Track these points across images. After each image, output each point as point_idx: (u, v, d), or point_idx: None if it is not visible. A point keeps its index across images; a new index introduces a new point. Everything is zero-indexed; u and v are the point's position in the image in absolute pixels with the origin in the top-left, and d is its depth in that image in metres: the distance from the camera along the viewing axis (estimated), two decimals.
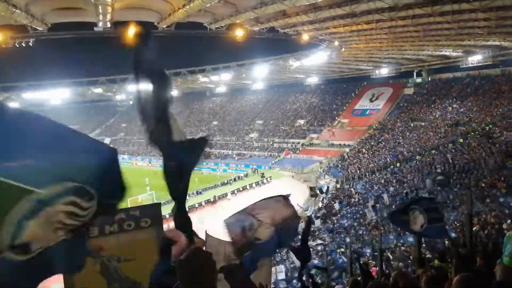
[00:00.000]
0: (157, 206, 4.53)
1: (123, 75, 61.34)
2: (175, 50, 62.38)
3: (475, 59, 48.44)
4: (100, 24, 30.98)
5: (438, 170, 29.46)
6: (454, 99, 49.02)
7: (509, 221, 12.30)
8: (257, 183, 44.56)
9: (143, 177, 47.93)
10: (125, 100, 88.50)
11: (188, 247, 1.17)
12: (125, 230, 4.22)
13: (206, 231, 4.76)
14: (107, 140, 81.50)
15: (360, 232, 23.31)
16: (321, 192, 37.67)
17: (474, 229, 10.92)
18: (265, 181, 45.54)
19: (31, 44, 32.74)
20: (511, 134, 32.04)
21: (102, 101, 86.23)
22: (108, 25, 32.27)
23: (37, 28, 28.69)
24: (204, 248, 1.22)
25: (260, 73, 59.57)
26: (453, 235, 14.81)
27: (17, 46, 31.33)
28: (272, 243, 4.86)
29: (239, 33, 35.49)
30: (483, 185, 22.28)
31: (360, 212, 27.25)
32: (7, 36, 28.99)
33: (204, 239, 4.80)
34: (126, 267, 4.23)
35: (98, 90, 64.44)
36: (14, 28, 28.36)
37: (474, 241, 7.75)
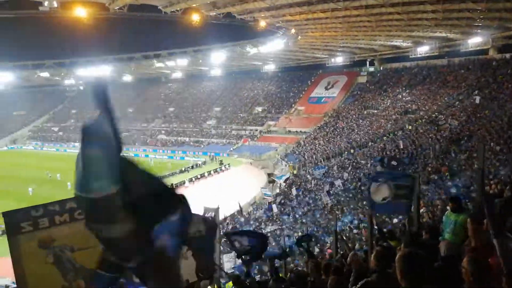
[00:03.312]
0: None
1: (72, 59, 58.42)
2: (129, 33, 60.22)
3: (423, 49, 50.87)
4: (46, 3, 29.19)
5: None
6: (404, 88, 51.24)
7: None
8: (215, 171, 44.41)
9: None
10: (75, 85, 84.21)
11: None
12: (76, 219, 4.09)
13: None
14: (55, 128, 77.49)
15: (317, 215, 24.02)
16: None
17: (421, 210, 11.62)
18: (223, 168, 45.49)
19: None
20: (455, 121, 34.10)
21: (50, 86, 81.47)
22: (55, 4, 30.50)
23: None
24: None
25: (217, 59, 58.89)
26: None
27: None
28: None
29: (195, 18, 34.82)
30: (429, 169, 23.62)
31: (316, 197, 28.05)
32: None
33: None
34: (80, 256, 4.12)
35: (45, 74, 60.79)
36: None
37: (420, 221, 8.27)
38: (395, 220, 16.17)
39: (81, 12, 33.86)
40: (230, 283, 13.08)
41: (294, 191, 31.15)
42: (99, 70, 59.69)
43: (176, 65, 63.52)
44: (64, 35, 55.52)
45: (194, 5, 34.23)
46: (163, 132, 67.22)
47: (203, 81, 79.63)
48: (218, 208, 5.87)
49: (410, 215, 6.93)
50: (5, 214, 3.83)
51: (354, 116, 50.17)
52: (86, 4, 33.80)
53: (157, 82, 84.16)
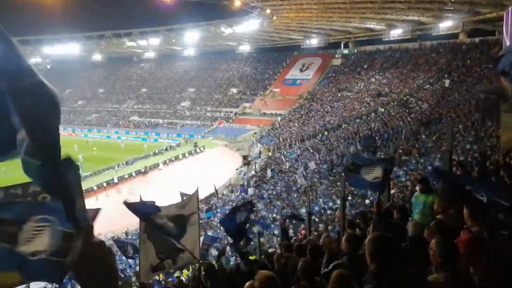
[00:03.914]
0: None
1: (38, 36, 55.84)
2: (98, 11, 57.93)
3: (396, 33, 51.45)
4: None
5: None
6: (377, 71, 51.90)
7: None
8: (190, 153, 44.02)
9: (71, 146, 44.86)
10: (41, 63, 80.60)
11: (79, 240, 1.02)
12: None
13: (124, 201, 4.63)
14: None
15: (291, 197, 24.30)
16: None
17: (392, 191, 11.92)
18: (198, 150, 45.15)
19: None
20: (425, 104, 34.94)
21: None
22: None
23: None
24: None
25: (191, 39, 57.65)
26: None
27: None
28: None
29: None
30: (400, 151, 24.19)
31: (291, 178, 28.33)
32: None
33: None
34: None
35: None
36: None
37: (391, 202, 8.46)
38: (367, 201, 16.56)
39: None
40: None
41: (269, 173, 31.37)
42: (67, 48, 57.44)
43: (148, 44, 61.81)
44: (29, 11, 52.87)
45: None
46: (135, 113, 65.78)
47: (177, 61, 77.95)
48: (196, 190, 5.73)
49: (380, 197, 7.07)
50: None
51: (328, 98, 50.58)
52: None
53: (128, 61, 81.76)
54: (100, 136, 55.43)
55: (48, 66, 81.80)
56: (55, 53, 61.17)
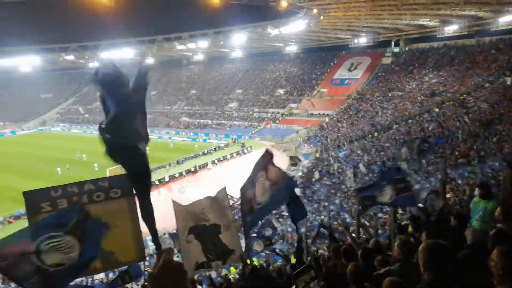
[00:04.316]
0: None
1: (95, 42, 59.14)
2: (149, 16, 60.27)
3: (451, 29, 48.67)
4: None
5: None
6: (431, 69, 49.60)
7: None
8: (237, 153, 44.65)
9: None
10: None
11: (159, 259, 1.07)
12: (95, 201, 4.13)
13: (172, 199, 4.81)
14: (82, 110, 79.32)
15: (339, 200, 23.88)
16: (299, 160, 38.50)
17: (447, 195, 11.35)
18: (245, 150, 45.65)
19: None
20: (484, 104, 32.87)
21: (75, 68, 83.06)
22: None
23: None
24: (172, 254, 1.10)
25: (238, 41, 58.36)
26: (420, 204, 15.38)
27: None
28: (269, 206, 5.36)
29: None
30: (457, 153, 22.95)
31: (338, 181, 27.83)
32: None
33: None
34: None
35: (70, 57, 61.83)
36: None
37: (447, 206, 8.07)
38: (419, 205, 15.87)
39: None
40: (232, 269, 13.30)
41: (316, 175, 31.01)
42: (122, 53, 60.22)
43: (197, 47, 63.35)
44: (87, 19, 56.13)
45: None
46: (185, 114, 67.78)
47: (225, 63, 79.36)
48: (224, 188, 5.66)
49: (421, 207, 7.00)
50: (25, 194, 3.88)
51: (378, 98, 49.09)
52: None
53: (179, 64, 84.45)
54: (152, 137, 57.64)
55: None
56: (111, 57, 64.33)
